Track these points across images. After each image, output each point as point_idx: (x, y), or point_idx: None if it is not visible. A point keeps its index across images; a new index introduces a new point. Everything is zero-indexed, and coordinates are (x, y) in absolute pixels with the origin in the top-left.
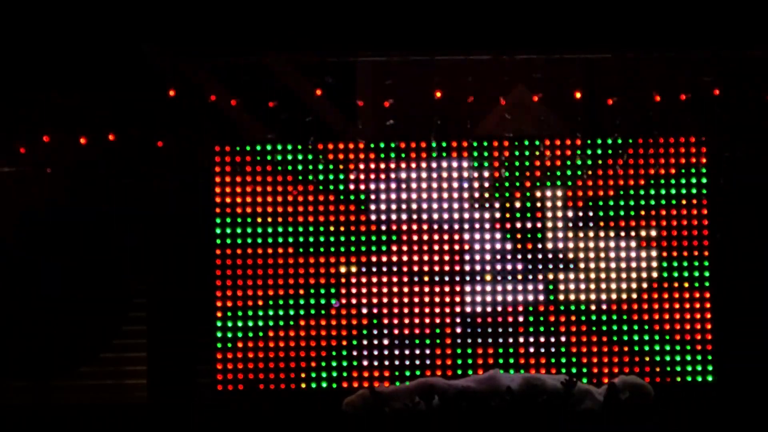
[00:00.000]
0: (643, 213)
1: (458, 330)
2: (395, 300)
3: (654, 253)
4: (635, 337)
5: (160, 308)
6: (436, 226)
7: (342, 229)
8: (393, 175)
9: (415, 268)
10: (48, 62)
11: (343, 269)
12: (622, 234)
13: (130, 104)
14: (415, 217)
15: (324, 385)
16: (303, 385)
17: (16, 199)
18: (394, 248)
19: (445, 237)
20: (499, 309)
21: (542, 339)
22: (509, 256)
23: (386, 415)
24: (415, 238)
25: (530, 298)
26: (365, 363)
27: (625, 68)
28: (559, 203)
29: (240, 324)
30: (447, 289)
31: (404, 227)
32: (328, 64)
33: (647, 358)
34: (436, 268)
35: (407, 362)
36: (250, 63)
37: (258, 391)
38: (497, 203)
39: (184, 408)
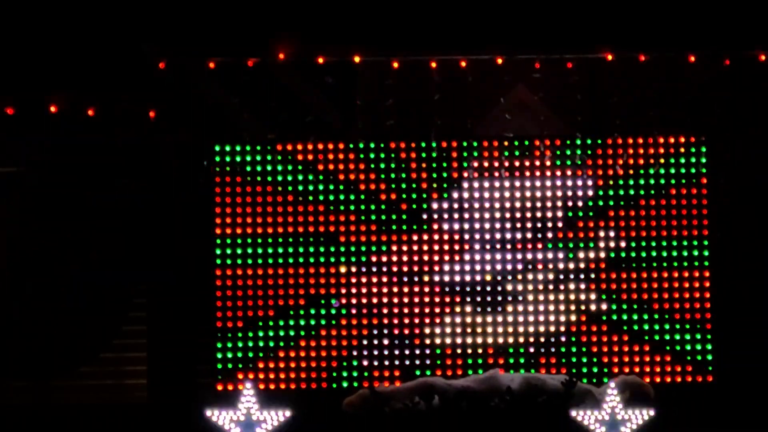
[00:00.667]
0: (643, 213)
1: (458, 330)
2: (395, 300)
3: (654, 253)
4: (635, 337)
5: (160, 308)
6: (436, 226)
7: (342, 229)
8: (393, 175)
9: (415, 269)
10: (48, 62)
11: (342, 269)
12: (622, 234)
13: (130, 104)
14: (415, 217)
15: (324, 385)
16: (303, 385)
17: (16, 199)
18: (394, 248)
19: (446, 237)
20: (499, 309)
21: (542, 339)
22: (509, 256)
23: (386, 415)
24: (414, 238)
25: (530, 297)
26: (365, 363)
27: (625, 68)
28: (559, 203)
29: (240, 323)
30: (447, 289)
31: (404, 227)
32: (328, 64)
33: (647, 358)
34: (436, 268)
35: (407, 362)
36: (249, 63)
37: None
38: (497, 203)
39: (184, 408)
